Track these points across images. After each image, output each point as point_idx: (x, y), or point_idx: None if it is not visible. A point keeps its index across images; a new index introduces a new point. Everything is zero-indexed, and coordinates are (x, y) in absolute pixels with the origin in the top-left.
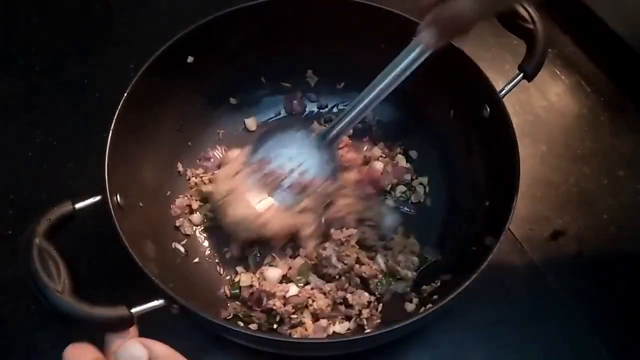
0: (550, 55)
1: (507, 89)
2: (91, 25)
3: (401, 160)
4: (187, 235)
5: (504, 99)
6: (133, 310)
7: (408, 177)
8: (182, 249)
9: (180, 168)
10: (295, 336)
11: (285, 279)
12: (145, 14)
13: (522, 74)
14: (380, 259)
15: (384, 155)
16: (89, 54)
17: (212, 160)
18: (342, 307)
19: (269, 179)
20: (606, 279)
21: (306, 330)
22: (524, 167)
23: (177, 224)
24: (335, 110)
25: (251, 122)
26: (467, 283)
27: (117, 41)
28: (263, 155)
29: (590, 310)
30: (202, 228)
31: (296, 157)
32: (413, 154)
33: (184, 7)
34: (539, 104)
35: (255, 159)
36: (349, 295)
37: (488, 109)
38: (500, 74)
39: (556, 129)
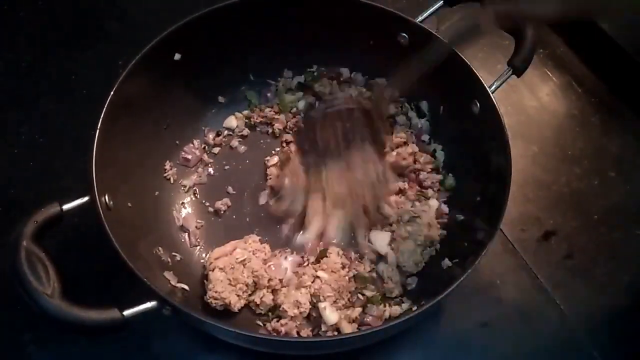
0: (541, 55)
1: (496, 84)
2: (79, 21)
3: None
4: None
5: (496, 97)
6: (125, 312)
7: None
8: (170, 250)
9: (168, 167)
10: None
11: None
12: (135, 9)
13: (511, 69)
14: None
15: None
16: (77, 49)
17: (191, 159)
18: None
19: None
20: (597, 280)
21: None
22: (516, 167)
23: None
24: None
25: (231, 120)
26: (456, 283)
27: (105, 37)
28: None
29: (581, 311)
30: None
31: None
32: None
33: (174, 3)
34: (531, 105)
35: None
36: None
37: (478, 104)
38: (493, 75)
39: (547, 130)
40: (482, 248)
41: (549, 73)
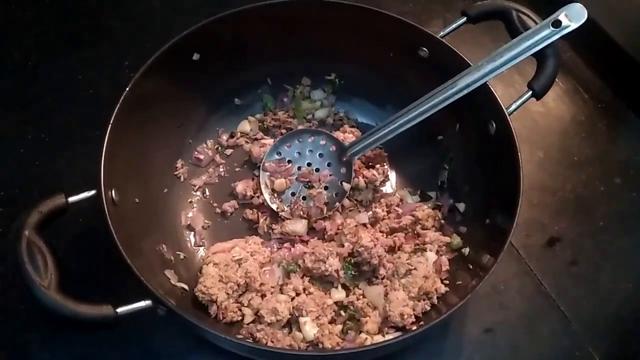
0: None
1: (514, 106)
2: (86, 20)
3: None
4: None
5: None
6: (119, 309)
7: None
8: (174, 249)
9: (179, 165)
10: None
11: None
12: (140, 10)
13: (530, 92)
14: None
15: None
16: (83, 49)
17: (204, 159)
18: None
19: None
20: (601, 287)
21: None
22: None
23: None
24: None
25: (245, 125)
26: (461, 302)
27: (111, 37)
28: (284, 155)
29: (585, 318)
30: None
31: (314, 161)
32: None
33: (179, 6)
34: (536, 110)
35: (274, 157)
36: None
37: (494, 125)
38: (511, 93)
39: (553, 135)
40: (485, 273)
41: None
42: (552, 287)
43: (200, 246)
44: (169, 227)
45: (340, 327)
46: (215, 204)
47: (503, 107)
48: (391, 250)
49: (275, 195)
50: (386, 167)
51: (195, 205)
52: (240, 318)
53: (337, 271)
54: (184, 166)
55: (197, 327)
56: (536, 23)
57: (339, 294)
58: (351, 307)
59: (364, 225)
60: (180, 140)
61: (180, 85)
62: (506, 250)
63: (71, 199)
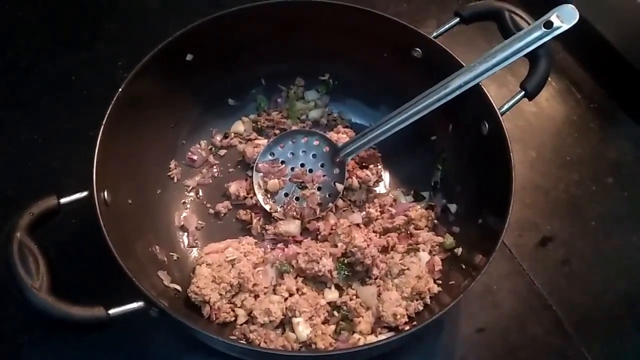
0: None
1: (507, 106)
2: (80, 21)
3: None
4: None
5: (505, 120)
6: (111, 311)
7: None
8: (167, 249)
9: (173, 166)
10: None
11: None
12: (135, 11)
13: (523, 92)
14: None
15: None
16: (77, 49)
17: (197, 160)
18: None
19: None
20: (593, 287)
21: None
22: (514, 172)
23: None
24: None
25: (238, 125)
26: (454, 302)
27: (105, 38)
28: (277, 156)
29: (578, 318)
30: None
31: (307, 162)
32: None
33: (174, 6)
34: (529, 110)
35: (268, 158)
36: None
37: (487, 125)
38: (504, 94)
39: (546, 135)
40: (478, 272)
41: (548, 78)
42: (544, 287)
43: (194, 247)
44: (162, 228)
45: (333, 327)
46: (208, 205)
47: (496, 107)
48: (384, 250)
49: (269, 195)
50: (380, 167)
51: (188, 206)
52: (233, 319)
53: (330, 271)
54: (177, 167)
55: (190, 328)
56: (528, 24)
57: (332, 295)
58: (344, 308)
59: (358, 225)
60: (173, 141)
61: (174, 86)
62: (498, 250)
63: (63, 200)
